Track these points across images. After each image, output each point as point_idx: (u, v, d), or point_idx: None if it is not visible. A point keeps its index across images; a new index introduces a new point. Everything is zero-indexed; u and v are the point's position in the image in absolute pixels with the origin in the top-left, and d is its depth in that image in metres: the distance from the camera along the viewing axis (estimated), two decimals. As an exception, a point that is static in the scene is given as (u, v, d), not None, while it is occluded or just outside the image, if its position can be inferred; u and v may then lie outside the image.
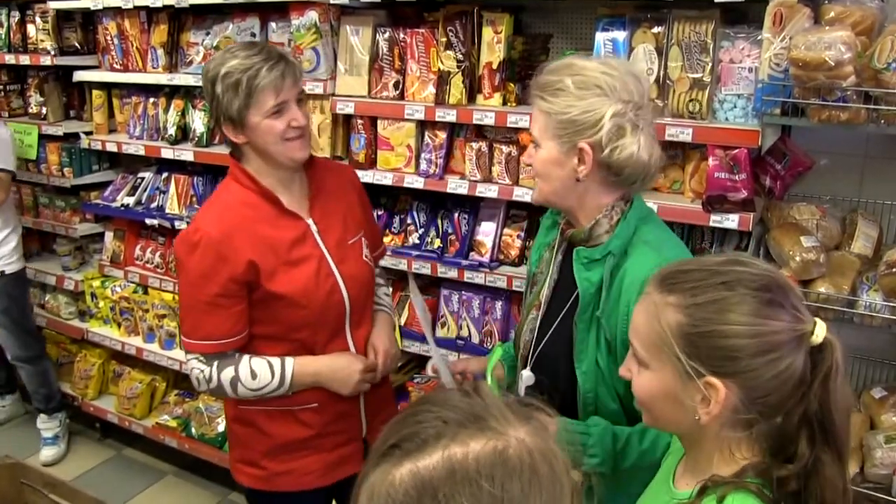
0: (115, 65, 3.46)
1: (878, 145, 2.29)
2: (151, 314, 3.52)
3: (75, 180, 3.72)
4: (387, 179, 2.76)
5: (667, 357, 1.07)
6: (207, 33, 3.19)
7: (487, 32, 2.56)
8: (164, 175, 3.51)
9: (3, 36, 3.76)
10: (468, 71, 2.56)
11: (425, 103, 2.63)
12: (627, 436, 1.49)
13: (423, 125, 2.73)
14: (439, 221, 2.89)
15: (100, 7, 3.32)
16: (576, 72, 1.46)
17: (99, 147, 3.58)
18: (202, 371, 1.86)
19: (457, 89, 2.56)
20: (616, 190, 1.53)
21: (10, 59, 3.70)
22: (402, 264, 2.80)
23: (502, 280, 2.63)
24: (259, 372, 1.85)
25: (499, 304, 2.79)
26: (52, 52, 3.54)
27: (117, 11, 3.35)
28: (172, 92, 3.39)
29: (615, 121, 1.43)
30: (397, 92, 2.72)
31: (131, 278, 3.61)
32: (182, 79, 3.21)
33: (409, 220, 2.94)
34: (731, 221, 2.17)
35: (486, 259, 2.72)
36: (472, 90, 2.61)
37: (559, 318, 1.60)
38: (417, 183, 2.71)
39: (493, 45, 2.56)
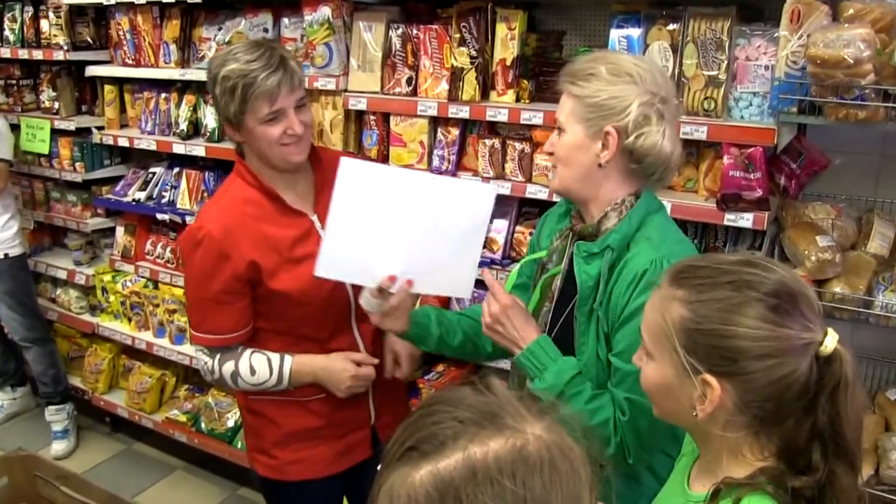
0: (127, 60, 3.47)
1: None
2: (162, 309, 3.53)
3: (87, 175, 3.73)
4: (399, 176, 2.75)
5: (667, 350, 1.08)
6: (220, 28, 3.19)
7: (501, 29, 2.55)
8: (176, 170, 3.51)
9: (17, 31, 3.77)
10: (481, 67, 2.55)
11: (438, 100, 2.62)
12: (582, 387, 1.51)
13: (436, 122, 2.73)
14: (451, 218, 2.88)
15: (112, 2, 3.33)
16: (609, 61, 1.50)
17: (111, 142, 3.59)
18: (206, 363, 1.91)
19: (470, 86, 2.56)
20: (633, 182, 1.54)
21: (23, 53, 3.72)
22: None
23: (514, 277, 2.62)
24: (258, 368, 1.88)
25: (510, 302, 2.77)
26: (65, 48, 3.55)
27: (130, 7, 3.35)
28: (184, 87, 3.39)
29: (642, 109, 1.46)
30: (410, 88, 2.71)
31: (142, 273, 3.61)
32: (194, 74, 3.21)
33: (421, 217, 2.93)
34: (745, 220, 2.15)
35: (497, 256, 2.71)
36: (486, 87, 2.60)
37: (567, 310, 1.62)
38: (430, 180, 2.70)
39: (507, 41, 2.55)
